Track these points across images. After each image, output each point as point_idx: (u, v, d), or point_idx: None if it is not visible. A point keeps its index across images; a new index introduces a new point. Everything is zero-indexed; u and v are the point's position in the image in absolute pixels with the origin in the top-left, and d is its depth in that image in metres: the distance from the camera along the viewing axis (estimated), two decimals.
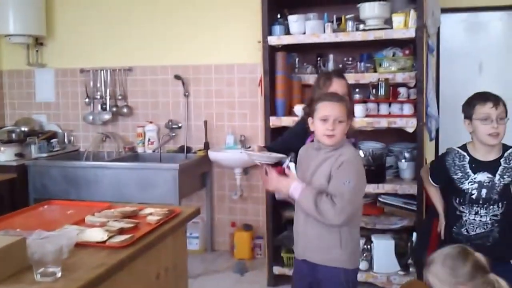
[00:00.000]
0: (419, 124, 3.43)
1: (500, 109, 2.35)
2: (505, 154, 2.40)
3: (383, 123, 3.53)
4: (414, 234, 3.49)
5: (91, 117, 4.83)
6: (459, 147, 2.52)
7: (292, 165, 3.72)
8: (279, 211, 3.89)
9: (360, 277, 3.30)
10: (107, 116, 4.76)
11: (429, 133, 3.62)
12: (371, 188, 3.50)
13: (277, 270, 3.79)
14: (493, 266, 2.38)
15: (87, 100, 4.83)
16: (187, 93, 4.55)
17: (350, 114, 2.31)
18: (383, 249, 3.56)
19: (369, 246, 3.64)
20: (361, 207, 2.36)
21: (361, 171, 2.22)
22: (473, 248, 2.35)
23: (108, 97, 4.74)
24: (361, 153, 3.44)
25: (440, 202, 2.62)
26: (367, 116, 3.59)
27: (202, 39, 4.53)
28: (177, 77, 4.52)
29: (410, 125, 3.45)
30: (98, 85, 4.78)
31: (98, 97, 4.78)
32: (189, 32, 4.55)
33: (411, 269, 3.54)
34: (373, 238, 3.62)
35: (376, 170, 3.58)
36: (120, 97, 4.75)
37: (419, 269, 3.47)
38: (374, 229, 3.62)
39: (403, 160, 3.66)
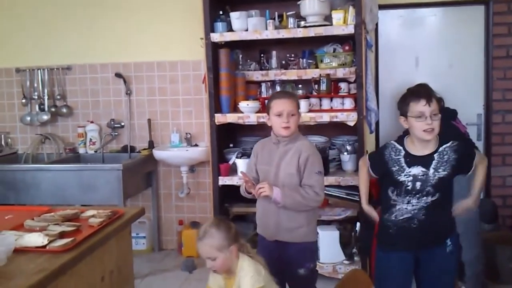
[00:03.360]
0: (359, 117, 3.52)
1: (433, 105, 2.44)
2: (440, 149, 2.47)
3: (325, 118, 3.61)
4: (358, 224, 3.59)
5: (28, 118, 4.66)
6: (396, 141, 2.59)
7: (238, 161, 3.80)
8: (226, 207, 3.91)
9: None
10: (45, 117, 4.59)
11: (369, 126, 3.73)
12: None
13: None
14: (429, 250, 2.49)
15: (24, 100, 4.65)
16: (129, 91, 4.47)
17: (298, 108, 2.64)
18: (328, 239, 3.64)
19: None
20: None
21: (320, 157, 2.63)
22: (399, 231, 2.47)
23: (46, 97, 4.58)
24: None
25: (366, 190, 2.73)
26: (310, 111, 3.66)
27: (143, 35, 4.45)
28: (118, 75, 4.43)
29: (351, 118, 3.55)
30: (35, 84, 4.61)
31: (36, 97, 4.62)
32: (130, 29, 4.46)
33: (355, 258, 3.64)
34: (318, 229, 3.66)
35: None
36: (58, 97, 4.60)
37: (364, 257, 3.57)
38: (319, 220, 3.66)
39: (345, 153, 3.75)
